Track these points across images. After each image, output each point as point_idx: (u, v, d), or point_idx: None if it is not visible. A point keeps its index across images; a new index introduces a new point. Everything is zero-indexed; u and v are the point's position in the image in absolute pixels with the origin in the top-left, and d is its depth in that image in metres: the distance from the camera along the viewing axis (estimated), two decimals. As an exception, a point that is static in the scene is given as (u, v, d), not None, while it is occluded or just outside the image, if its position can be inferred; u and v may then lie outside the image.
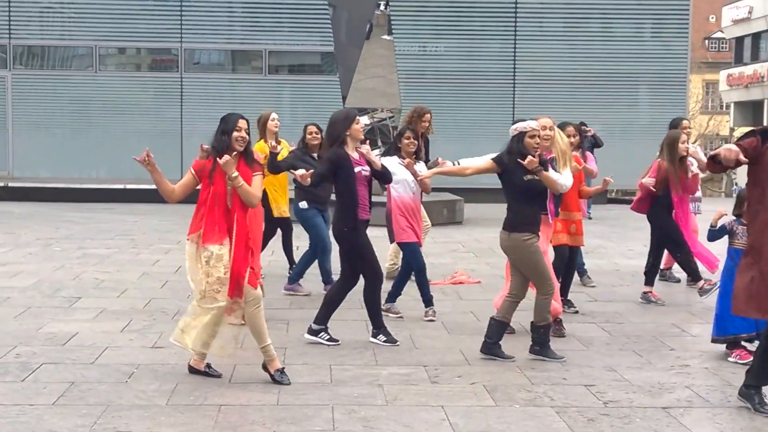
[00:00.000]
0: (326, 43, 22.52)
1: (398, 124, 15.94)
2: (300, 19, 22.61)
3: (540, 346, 6.84)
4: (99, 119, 22.44)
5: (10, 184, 21.37)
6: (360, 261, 7.10)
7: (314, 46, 22.82)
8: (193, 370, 6.30)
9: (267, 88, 22.66)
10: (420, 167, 8.12)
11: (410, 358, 6.86)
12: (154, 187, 6.28)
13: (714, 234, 7.23)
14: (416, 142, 8.09)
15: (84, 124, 22.45)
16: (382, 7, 23.28)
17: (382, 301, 7.65)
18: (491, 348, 6.85)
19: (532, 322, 6.92)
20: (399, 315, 8.26)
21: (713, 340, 7.01)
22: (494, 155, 6.91)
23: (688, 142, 9.18)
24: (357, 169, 7.04)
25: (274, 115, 9.55)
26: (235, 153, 6.11)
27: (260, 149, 8.56)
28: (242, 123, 6.18)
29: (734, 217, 7.10)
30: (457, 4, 22.73)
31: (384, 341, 7.21)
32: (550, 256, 7.42)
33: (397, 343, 7.20)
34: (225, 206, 6.08)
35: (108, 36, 22.47)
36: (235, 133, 6.12)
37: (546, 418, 5.48)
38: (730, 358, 6.86)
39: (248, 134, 6.22)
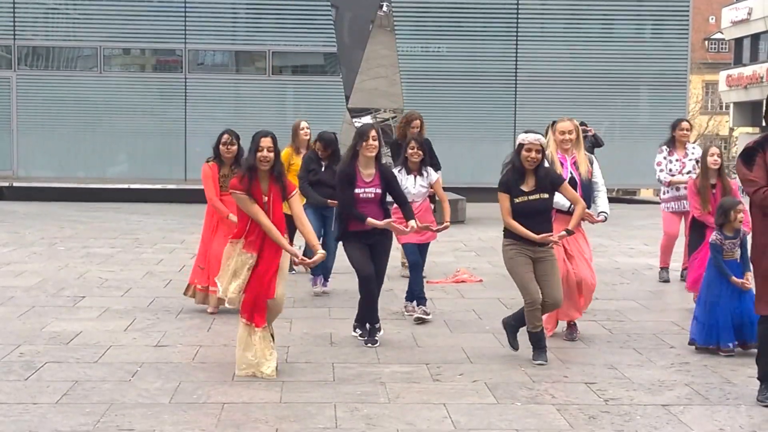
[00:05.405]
0: (329, 44, 22.57)
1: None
2: (303, 20, 22.67)
3: (532, 347, 6.80)
4: (103, 120, 22.51)
5: (14, 184, 21.43)
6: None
7: (317, 46, 22.88)
8: None
9: (270, 88, 22.72)
10: (421, 180, 8.17)
11: (412, 356, 6.90)
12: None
13: (714, 264, 6.97)
14: (420, 152, 8.10)
15: (88, 125, 22.51)
16: (384, 8, 23.31)
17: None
18: (508, 330, 6.94)
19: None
20: (411, 314, 8.16)
21: (698, 348, 7.03)
22: (500, 184, 6.74)
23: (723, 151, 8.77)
24: (359, 191, 7.17)
25: (303, 124, 9.94)
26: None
27: (285, 157, 8.62)
28: (264, 142, 6.19)
29: (717, 228, 7.03)
30: (459, 5, 22.77)
31: (359, 335, 7.34)
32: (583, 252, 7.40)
33: (370, 345, 7.13)
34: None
35: (112, 37, 22.54)
36: (258, 154, 6.18)
37: (547, 416, 5.52)
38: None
39: (273, 152, 6.21)
